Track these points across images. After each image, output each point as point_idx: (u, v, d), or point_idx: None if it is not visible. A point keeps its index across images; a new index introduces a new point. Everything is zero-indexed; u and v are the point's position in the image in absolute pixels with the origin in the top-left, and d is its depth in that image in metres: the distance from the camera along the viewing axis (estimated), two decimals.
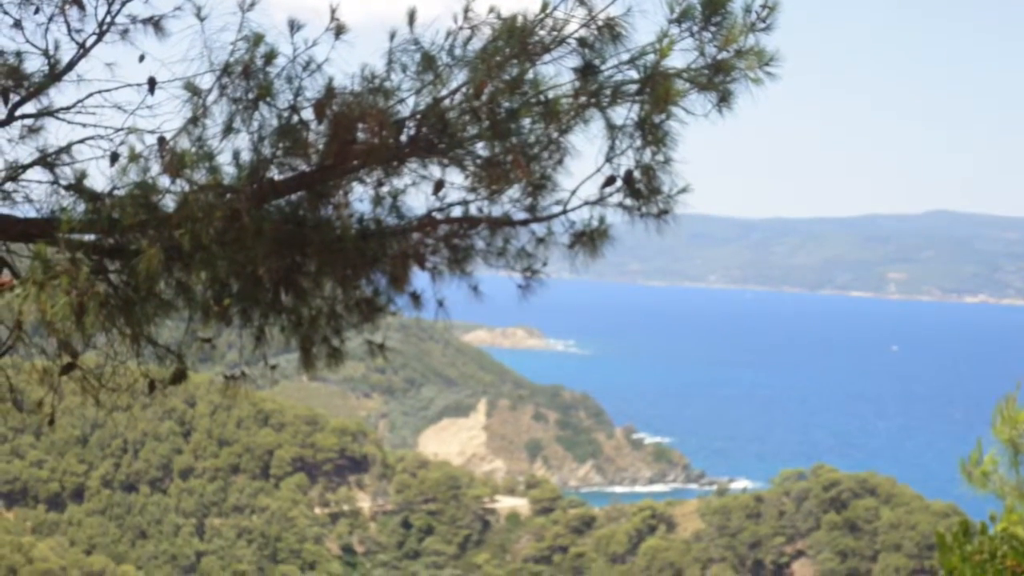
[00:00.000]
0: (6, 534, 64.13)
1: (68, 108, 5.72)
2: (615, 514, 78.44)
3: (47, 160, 5.60)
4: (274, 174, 5.20)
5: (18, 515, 74.23)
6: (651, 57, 5.01)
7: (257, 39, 5.14)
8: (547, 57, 5.08)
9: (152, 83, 5.42)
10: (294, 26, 5.15)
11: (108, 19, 5.73)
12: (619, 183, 5.29)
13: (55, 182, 5.48)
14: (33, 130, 5.80)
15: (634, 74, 5.06)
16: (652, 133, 5.14)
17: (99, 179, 5.26)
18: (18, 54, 5.71)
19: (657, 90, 4.96)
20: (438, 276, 5.57)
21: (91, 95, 5.68)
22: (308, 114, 5.16)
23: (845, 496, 73.75)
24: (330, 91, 5.12)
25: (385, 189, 5.41)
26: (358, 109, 5.04)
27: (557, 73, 5.08)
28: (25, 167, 5.62)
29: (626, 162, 5.24)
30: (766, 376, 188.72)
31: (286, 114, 5.16)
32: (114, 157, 5.27)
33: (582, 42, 5.05)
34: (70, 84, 5.73)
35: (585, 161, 5.29)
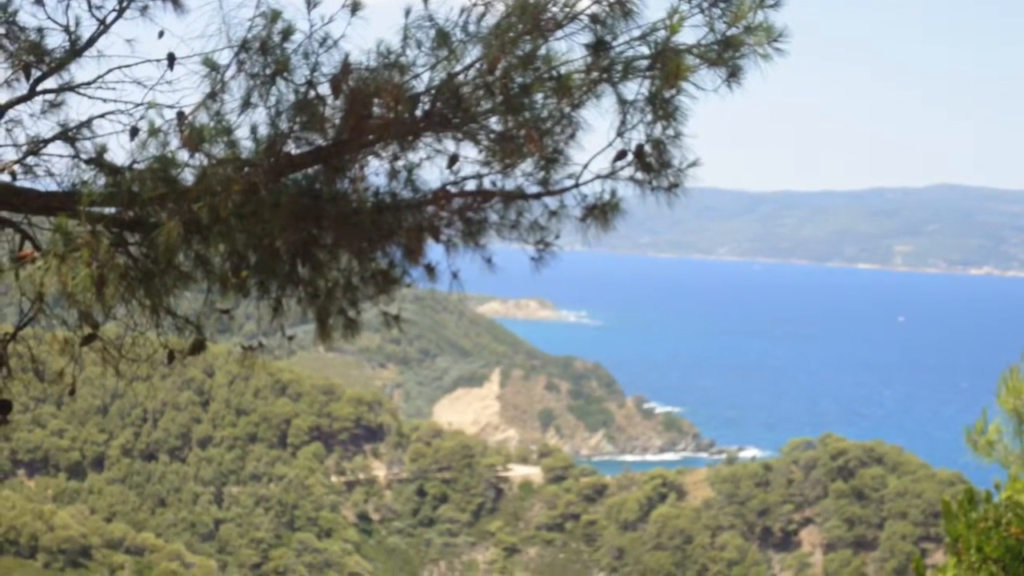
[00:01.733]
0: (28, 502, 64.88)
1: (89, 83, 5.79)
2: (626, 482, 78.85)
3: (68, 134, 5.69)
4: (291, 148, 5.26)
5: (39, 483, 75.10)
6: (662, 33, 5.05)
7: (274, 15, 5.20)
8: (559, 33, 5.12)
9: (171, 59, 5.47)
10: (311, 3, 5.19)
11: None
12: (630, 157, 5.34)
13: (76, 156, 5.57)
14: (54, 105, 5.88)
15: (645, 50, 5.10)
16: (662, 108, 5.18)
17: (119, 153, 5.35)
18: (40, 30, 5.78)
19: (667, 66, 5.01)
20: (452, 248, 5.65)
21: (111, 70, 5.76)
22: (325, 89, 5.21)
23: (852, 465, 73.94)
24: (346, 67, 5.17)
25: (400, 163, 5.47)
26: (374, 84, 5.09)
27: (569, 49, 5.13)
28: (46, 141, 5.71)
29: (637, 136, 5.30)
30: (775, 347, 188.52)
31: (303, 89, 5.22)
32: (134, 131, 5.33)
33: (594, 18, 5.09)
34: (91, 60, 5.81)
35: (597, 135, 5.35)
